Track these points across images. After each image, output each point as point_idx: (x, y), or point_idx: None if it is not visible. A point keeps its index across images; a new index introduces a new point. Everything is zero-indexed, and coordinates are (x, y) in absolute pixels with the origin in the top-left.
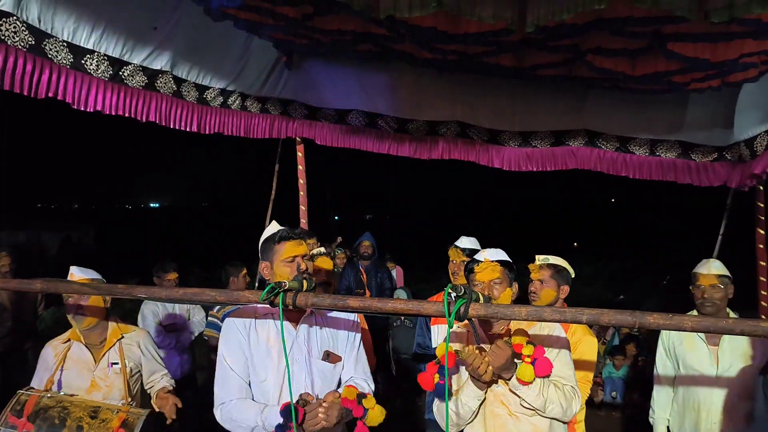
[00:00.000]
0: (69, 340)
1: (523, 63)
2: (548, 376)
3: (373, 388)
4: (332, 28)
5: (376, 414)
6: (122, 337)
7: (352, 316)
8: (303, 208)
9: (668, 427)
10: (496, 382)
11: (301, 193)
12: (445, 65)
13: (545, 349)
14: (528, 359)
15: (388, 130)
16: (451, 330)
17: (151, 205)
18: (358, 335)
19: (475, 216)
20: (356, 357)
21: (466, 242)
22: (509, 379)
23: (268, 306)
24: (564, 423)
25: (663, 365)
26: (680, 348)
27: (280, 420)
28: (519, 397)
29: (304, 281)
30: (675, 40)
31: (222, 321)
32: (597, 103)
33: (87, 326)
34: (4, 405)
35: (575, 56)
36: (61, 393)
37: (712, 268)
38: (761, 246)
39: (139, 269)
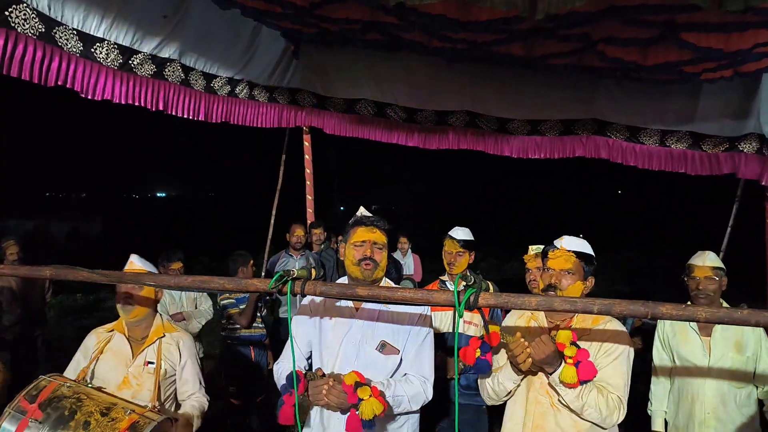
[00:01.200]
0: (113, 330)
1: (533, 52)
2: (590, 380)
3: (427, 392)
4: (340, 17)
5: (369, 406)
6: (164, 335)
7: (420, 310)
8: (309, 197)
9: (665, 419)
10: (535, 374)
11: (308, 182)
12: (454, 54)
13: (603, 345)
14: (570, 361)
15: (397, 119)
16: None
17: (158, 194)
18: (425, 330)
19: (480, 207)
20: (416, 354)
21: (460, 233)
22: (551, 374)
23: None
24: (603, 429)
25: (659, 357)
26: (674, 340)
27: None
28: (558, 393)
29: (313, 270)
30: (688, 29)
31: (236, 300)
32: (607, 94)
33: (134, 318)
34: (12, 392)
35: (586, 45)
36: (88, 385)
37: (707, 260)
38: None
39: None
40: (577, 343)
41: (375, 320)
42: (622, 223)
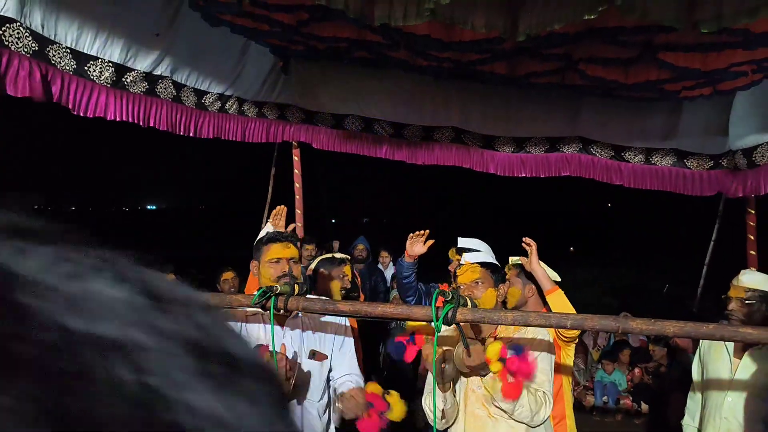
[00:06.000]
0: None
1: (517, 71)
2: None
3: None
4: (327, 35)
5: (398, 408)
6: None
7: (340, 319)
8: (299, 211)
9: None
10: (472, 386)
11: (297, 197)
12: (440, 72)
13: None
14: (497, 375)
15: (384, 134)
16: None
17: (148, 207)
18: (349, 339)
19: (470, 220)
20: (349, 360)
21: (465, 243)
22: (484, 376)
23: (257, 309)
24: (533, 428)
25: (697, 372)
26: (707, 355)
27: None
28: (492, 396)
29: (296, 285)
30: (666, 49)
31: None
32: (591, 111)
33: None
34: None
35: (568, 65)
36: None
37: (742, 279)
38: (752, 252)
39: None
40: (505, 359)
41: (301, 330)
42: (612, 236)
